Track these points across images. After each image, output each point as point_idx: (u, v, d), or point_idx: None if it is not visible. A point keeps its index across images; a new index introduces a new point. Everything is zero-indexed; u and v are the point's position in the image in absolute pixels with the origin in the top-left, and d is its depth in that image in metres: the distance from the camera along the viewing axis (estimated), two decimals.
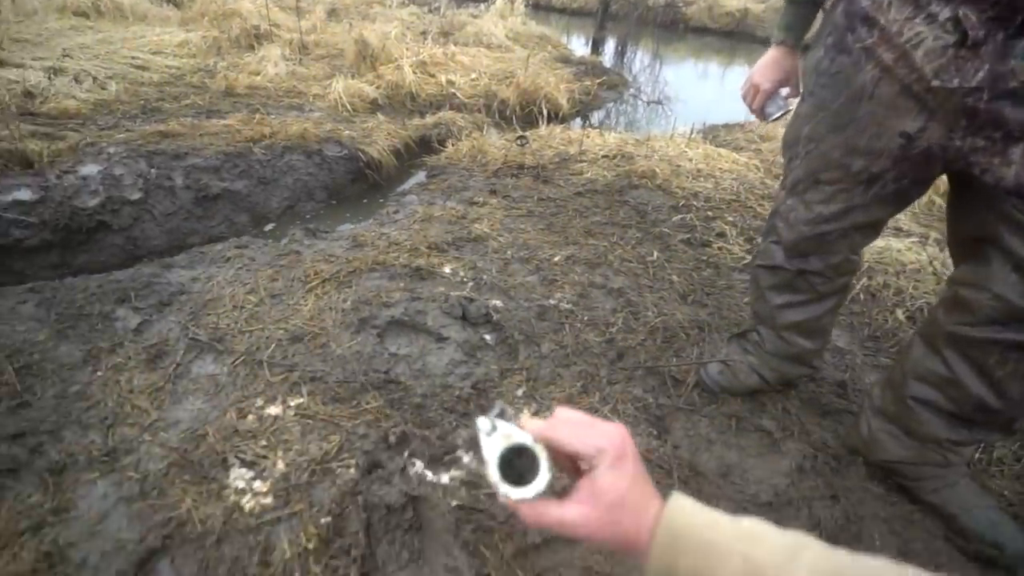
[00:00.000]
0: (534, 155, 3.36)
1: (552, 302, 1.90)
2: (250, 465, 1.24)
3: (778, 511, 1.29)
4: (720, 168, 3.32)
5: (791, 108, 1.44)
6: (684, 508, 0.48)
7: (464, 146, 3.51)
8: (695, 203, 2.86)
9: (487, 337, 1.68)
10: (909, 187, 1.14)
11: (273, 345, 1.57)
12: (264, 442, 1.28)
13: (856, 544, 1.23)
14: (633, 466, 0.51)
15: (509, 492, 0.51)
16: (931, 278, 2.27)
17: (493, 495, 1.20)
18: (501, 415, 0.57)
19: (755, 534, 0.44)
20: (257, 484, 1.20)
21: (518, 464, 0.53)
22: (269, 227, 2.91)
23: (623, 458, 0.50)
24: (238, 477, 1.21)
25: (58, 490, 1.19)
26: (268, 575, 1.03)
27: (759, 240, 2.26)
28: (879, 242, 2.52)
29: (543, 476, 0.52)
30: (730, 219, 2.69)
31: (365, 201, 3.25)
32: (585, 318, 1.84)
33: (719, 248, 2.45)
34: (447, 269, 2.03)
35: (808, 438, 1.48)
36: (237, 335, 1.63)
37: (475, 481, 1.20)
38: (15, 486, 1.19)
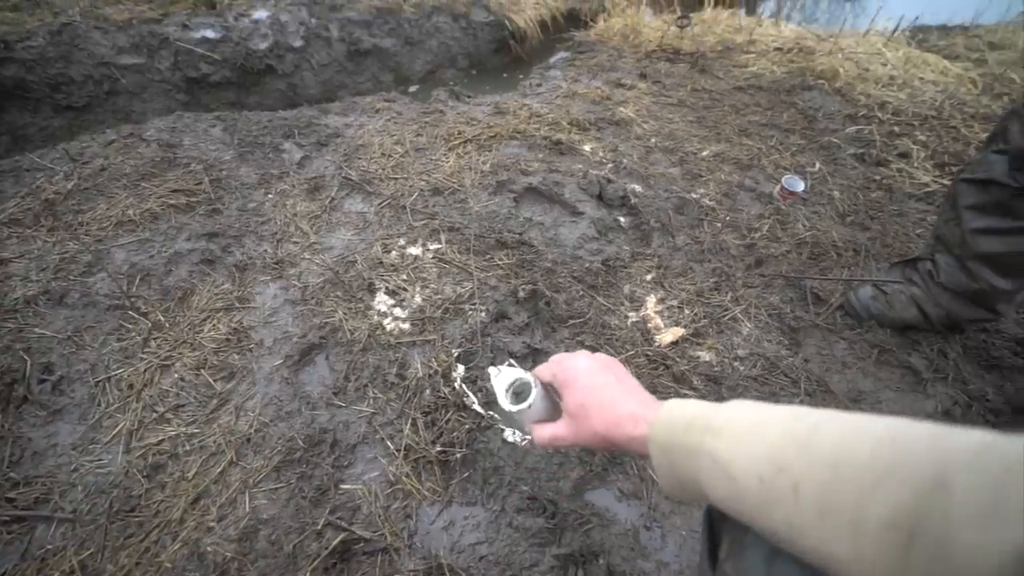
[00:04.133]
0: (693, 40, 2.99)
1: (694, 196, 1.78)
2: (392, 294, 1.37)
3: None
4: (922, 77, 2.74)
5: None
6: (667, 423, 0.50)
7: (616, 23, 3.20)
8: (879, 114, 2.43)
9: (621, 219, 1.63)
10: None
11: (416, 193, 1.66)
12: (404, 276, 1.40)
13: None
14: (584, 383, 0.60)
15: (510, 407, 0.68)
16: None
17: None
18: (510, 365, 0.72)
19: (729, 425, 0.44)
20: (397, 311, 1.33)
21: (522, 394, 0.69)
22: (412, 89, 2.96)
23: (568, 383, 0.61)
24: (381, 302, 1.35)
25: (242, 284, 1.41)
26: (404, 386, 1.17)
27: (973, 154, 1.91)
28: None
29: (533, 394, 0.67)
30: (921, 138, 2.26)
31: (505, 76, 3.16)
32: (727, 218, 1.71)
33: (898, 170, 2.09)
34: (587, 147, 1.95)
35: (964, 387, 1.32)
36: (384, 180, 1.73)
37: (596, 347, 1.23)
38: (212, 274, 1.43)
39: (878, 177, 2.03)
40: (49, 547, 0.94)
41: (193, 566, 0.89)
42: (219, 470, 1.02)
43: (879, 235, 1.75)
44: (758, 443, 0.40)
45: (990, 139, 1.17)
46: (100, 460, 1.05)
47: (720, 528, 0.48)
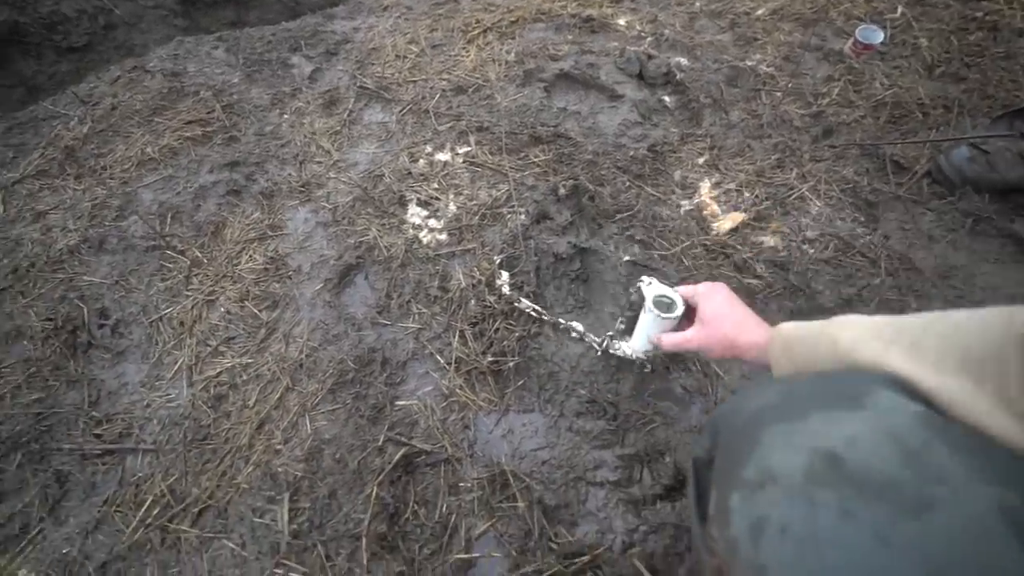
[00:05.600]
0: None
1: (748, 64, 1.55)
2: (424, 205, 1.29)
3: None
4: None
5: None
6: (791, 325, 0.59)
7: None
8: None
9: (666, 99, 1.45)
10: None
11: (438, 95, 1.52)
12: (436, 185, 1.31)
13: None
14: (723, 298, 0.72)
15: (661, 314, 0.81)
16: None
17: (666, 257, 1.14)
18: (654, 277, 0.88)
19: (844, 319, 0.51)
20: (432, 222, 1.26)
21: (661, 305, 0.83)
22: None
23: (709, 296, 0.74)
24: (414, 214, 1.28)
25: (271, 211, 1.36)
26: (447, 299, 1.13)
27: None
28: None
29: (679, 307, 0.81)
30: None
31: None
32: (788, 86, 1.49)
33: (1006, 1, 1.74)
34: (622, 21, 1.71)
35: None
36: (402, 84, 1.59)
37: (648, 241, 1.14)
38: (240, 205, 1.38)
39: (979, 14, 1.70)
40: (140, 475, 0.99)
41: (268, 486, 0.93)
42: (277, 396, 1.03)
43: (978, 85, 1.48)
44: (876, 324, 0.47)
45: None
46: (168, 395, 1.09)
47: (707, 478, 0.43)
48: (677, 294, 0.82)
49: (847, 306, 1.07)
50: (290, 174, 1.44)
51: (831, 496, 0.31)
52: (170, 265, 1.27)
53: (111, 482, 1.00)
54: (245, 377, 1.07)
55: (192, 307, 1.20)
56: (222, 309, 1.19)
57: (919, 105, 1.44)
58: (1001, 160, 1.19)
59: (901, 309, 1.07)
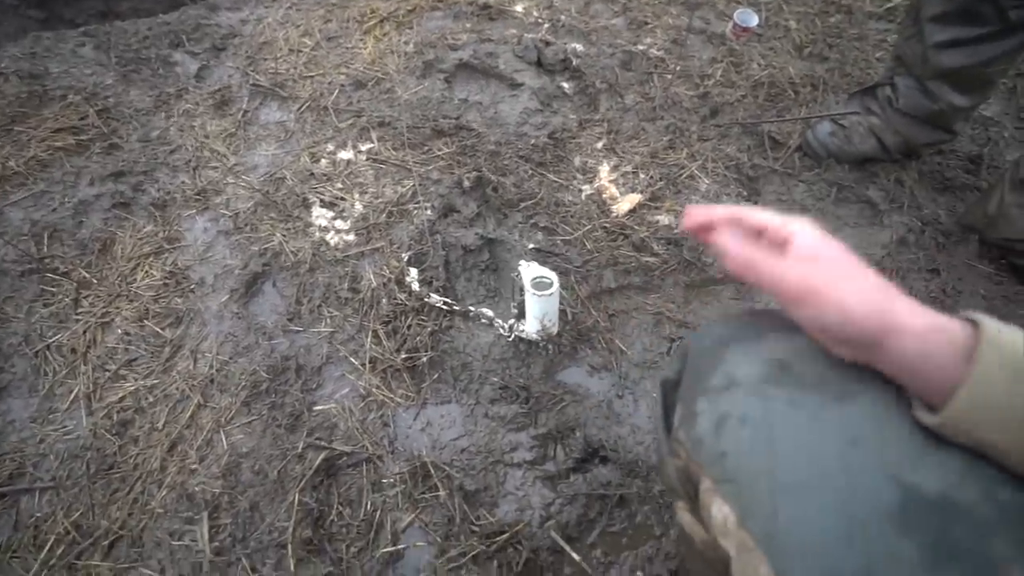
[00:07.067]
0: None
1: (640, 48, 1.62)
2: (330, 206, 1.27)
3: None
4: None
5: None
6: (1004, 327, 0.35)
7: None
8: None
9: (565, 85, 1.50)
10: None
11: (337, 91, 1.48)
12: (340, 185, 1.29)
13: None
14: (823, 237, 0.40)
15: (537, 292, 0.91)
16: None
17: (569, 241, 1.20)
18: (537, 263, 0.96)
19: None
20: (338, 223, 1.24)
21: (540, 286, 0.92)
22: None
23: (807, 229, 0.40)
24: (320, 216, 1.26)
25: (166, 222, 1.29)
26: (359, 299, 1.13)
27: None
28: None
29: (555, 284, 0.91)
30: None
31: None
32: (677, 68, 1.59)
33: None
34: (519, 8, 1.73)
35: (918, 212, 1.32)
36: (298, 80, 1.53)
37: (551, 227, 1.19)
38: (130, 218, 1.30)
39: None
40: (38, 515, 0.94)
41: (184, 507, 0.91)
42: (188, 415, 1.00)
43: (838, 65, 1.64)
44: None
45: None
46: (65, 427, 1.02)
47: (673, 398, 0.49)
48: (553, 273, 0.93)
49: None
50: (184, 182, 1.36)
51: (781, 392, 0.38)
52: (53, 289, 1.17)
53: (5, 527, 0.93)
54: (151, 399, 1.03)
55: (84, 332, 1.12)
56: (119, 331, 1.12)
57: (791, 84, 1.58)
58: (855, 134, 1.34)
59: None
